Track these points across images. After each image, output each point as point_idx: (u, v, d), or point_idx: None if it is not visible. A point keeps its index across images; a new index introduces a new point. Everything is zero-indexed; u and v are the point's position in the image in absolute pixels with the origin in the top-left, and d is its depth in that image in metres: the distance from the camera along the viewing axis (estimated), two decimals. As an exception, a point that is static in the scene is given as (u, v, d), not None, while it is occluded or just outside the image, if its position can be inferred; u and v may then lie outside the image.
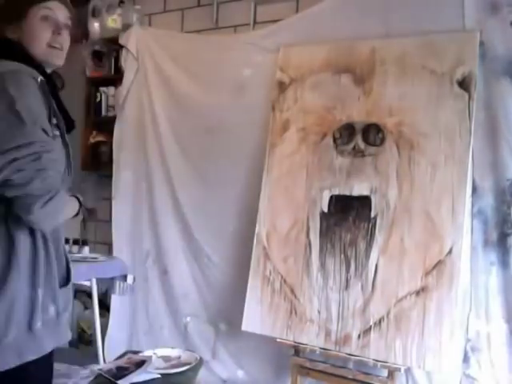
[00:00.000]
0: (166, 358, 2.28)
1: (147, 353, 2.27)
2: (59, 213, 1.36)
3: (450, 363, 2.35)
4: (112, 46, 3.68)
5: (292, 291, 2.67)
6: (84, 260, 2.80)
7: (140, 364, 2.09)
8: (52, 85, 1.44)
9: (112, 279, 2.87)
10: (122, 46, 3.54)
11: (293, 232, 2.71)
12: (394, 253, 2.49)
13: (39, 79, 1.33)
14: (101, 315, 2.97)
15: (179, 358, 2.31)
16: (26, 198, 1.24)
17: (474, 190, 2.48)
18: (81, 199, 1.56)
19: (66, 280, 1.52)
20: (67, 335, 1.51)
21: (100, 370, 2.07)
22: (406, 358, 2.38)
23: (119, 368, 2.09)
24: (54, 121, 1.35)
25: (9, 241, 1.30)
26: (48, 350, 1.38)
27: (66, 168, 1.42)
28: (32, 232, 1.33)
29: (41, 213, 1.25)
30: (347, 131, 2.66)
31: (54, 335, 1.39)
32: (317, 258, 2.64)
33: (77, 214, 1.55)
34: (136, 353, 2.27)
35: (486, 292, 2.45)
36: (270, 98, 2.94)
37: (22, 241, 1.32)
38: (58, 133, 1.36)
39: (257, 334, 2.74)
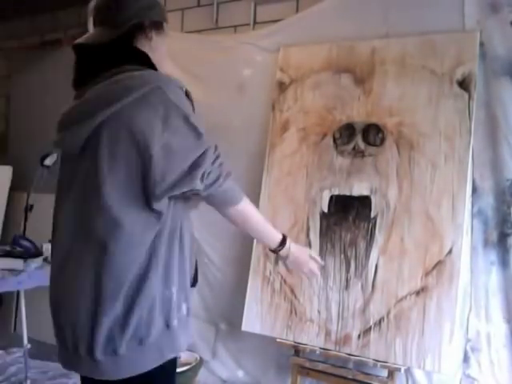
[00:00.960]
0: None
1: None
2: (233, 191, 1.43)
3: (450, 363, 2.35)
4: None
5: (292, 291, 2.67)
6: (84, 260, 2.79)
7: None
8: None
9: (112, 279, 2.87)
10: (121, 46, 3.54)
11: (293, 232, 2.71)
12: (393, 253, 2.49)
13: (184, 89, 1.41)
14: (101, 315, 2.97)
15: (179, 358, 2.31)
16: (218, 192, 1.38)
17: (474, 190, 2.48)
18: None
19: (194, 281, 1.51)
20: (192, 334, 1.49)
21: None
22: (406, 358, 2.38)
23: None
24: None
25: (153, 242, 1.32)
26: (183, 347, 1.40)
27: None
28: (170, 232, 1.36)
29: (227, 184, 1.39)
30: (347, 131, 2.66)
31: (186, 333, 1.40)
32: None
33: None
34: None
35: (486, 292, 2.45)
36: (270, 98, 2.94)
37: (162, 242, 1.34)
38: None
39: (257, 334, 2.74)
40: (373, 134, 2.61)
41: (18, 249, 2.70)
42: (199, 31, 3.42)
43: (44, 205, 3.27)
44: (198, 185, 1.32)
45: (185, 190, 1.31)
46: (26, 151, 3.96)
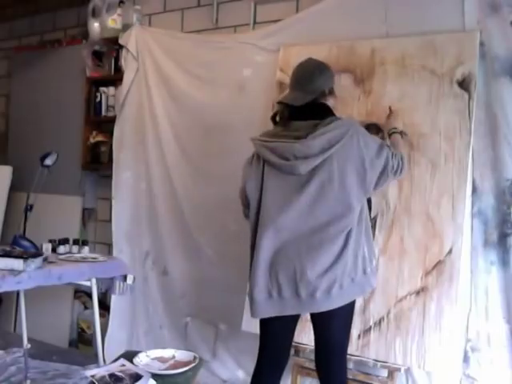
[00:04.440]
0: (161, 359, 2.27)
1: (141, 356, 2.26)
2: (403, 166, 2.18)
3: (449, 363, 2.35)
4: (112, 46, 3.68)
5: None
6: (84, 260, 2.79)
7: (135, 377, 2.06)
8: None
9: (112, 279, 2.86)
10: (121, 46, 3.54)
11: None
12: (393, 253, 2.50)
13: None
14: (101, 315, 2.97)
15: (174, 357, 2.30)
16: (402, 174, 2.19)
17: (474, 190, 2.48)
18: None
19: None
20: (375, 282, 2.22)
21: (92, 377, 2.04)
22: (406, 357, 2.38)
23: (112, 376, 2.06)
24: None
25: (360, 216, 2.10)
26: (374, 285, 2.21)
27: None
28: (362, 212, 2.11)
29: (403, 169, 2.17)
30: (347, 131, 2.66)
31: (375, 277, 2.19)
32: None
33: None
34: (134, 355, 2.26)
35: (486, 292, 2.45)
36: (270, 98, 2.94)
37: (359, 219, 2.10)
38: None
39: (257, 334, 2.73)
40: (373, 133, 2.61)
41: (18, 249, 2.70)
42: (199, 31, 3.42)
43: (44, 205, 3.29)
44: (391, 176, 2.12)
45: (385, 182, 2.14)
46: (25, 151, 3.96)
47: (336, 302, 2.06)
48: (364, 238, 2.13)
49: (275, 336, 2.23)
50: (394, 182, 2.52)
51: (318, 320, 2.17)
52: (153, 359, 2.27)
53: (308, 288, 2.05)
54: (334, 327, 2.14)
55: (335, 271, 2.04)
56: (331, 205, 2.05)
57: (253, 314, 2.17)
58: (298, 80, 2.19)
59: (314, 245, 2.05)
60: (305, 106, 2.12)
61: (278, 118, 2.22)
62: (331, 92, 2.21)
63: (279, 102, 2.22)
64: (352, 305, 2.15)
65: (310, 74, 2.16)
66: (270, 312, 2.14)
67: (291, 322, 2.20)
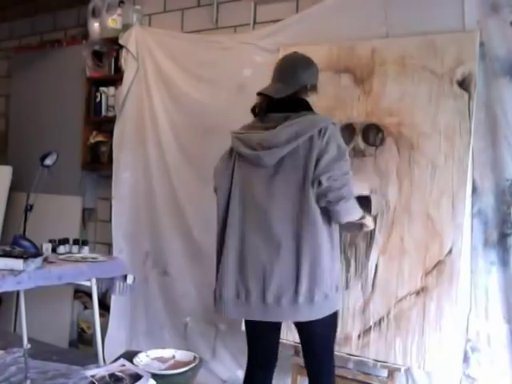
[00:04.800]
0: (161, 359, 2.27)
1: (141, 356, 2.26)
2: (352, 212, 2.02)
3: (449, 363, 2.35)
4: (112, 46, 3.68)
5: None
6: (84, 260, 2.79)
7: (135, 378, 2.06)
8: None
9: (112, 279, 2.86)
10: (121, 46, 3.54)
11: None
12: (393, 253, 2.50)
13: (338, 125, 2.11)
14: (101, 315, 2.97)
15: (174, 357, 2.31)
16: (338, 197, 1.94)
17: (474, 190, 2.48)
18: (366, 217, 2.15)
19: None
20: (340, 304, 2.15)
21: (92, 377, 2.04)
22: (406, 358, 2.38)
23: (112, 376, 2.06)
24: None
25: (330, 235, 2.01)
26: (339, 307, 2.10)
27: None
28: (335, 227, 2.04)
29: (343, 206, 1.95)
30: (347, 131, 2.66)
31: (340, 300, 2.12)
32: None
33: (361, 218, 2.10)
34: (134, 355, 2.26)
35: (486, 292, 2.45)
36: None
37: (334, 232, 2.03)
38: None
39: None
40: (373, 134, 2.61)
41: (18, 249, 2.70)
42: (199, 31, 3.42)
43: (44, 205, 3.29)
44: (325, 198, 1.97)
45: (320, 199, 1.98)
46: (25, 151, 3.96)
47: (304, 314, 1.98)
48: (336, 251, 2.05)
49: (258, 337, 2.19)
50: (393, 181, 2.52)
51: (298, 328, 2.13)
52: (153, 359, 2.27)
53: (275, 294, 1.97)
54: (314, 338, 2.10)
55: (306, 279, 1.95)
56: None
57: (219, 313, 2.11)
58: (282, 72, 2.14)
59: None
60: (284, 98, 2.05)
61: (257, 110, 2.15)
62: (313, 88, 2.14)
63: (259, 94, 2.15)
64: (331, 317, 2.05)
65: (294, 68, 2.11)
66: (236, 314, 2.10)
67: (273, 323, 2.10)
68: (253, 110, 2.17)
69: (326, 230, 1.99)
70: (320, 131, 1.96)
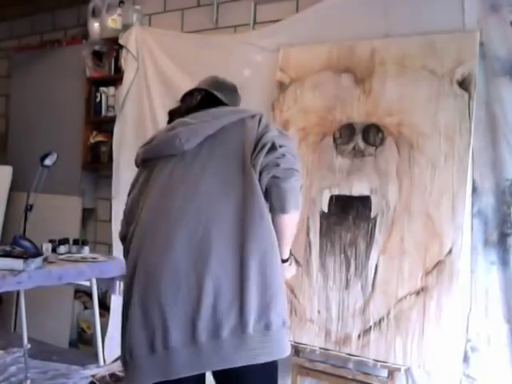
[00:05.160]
0: None
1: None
2: (298, 205, 1.62)
3: (449, 363, 2.35)
4: (112, 46, 3.68)
5: (292, 291, 2.67)
6: (84, 260, 2.80)
7: None
8: None
9: (112, 279, 2.86)
10: (121, 46, 3.54)
11: (293, 232, 2.70)
12: (393, 253, 2.49)
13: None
14: (101, 315, 2.97)
15: None
16: (291, 171, 1.55)
17: (474, 189, 2.48)
18: None
19: None
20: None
21: (92, 377, 2.04)
22: (406, 358, 2.38)
23: (113, 376, 2.05)
24: None
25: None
26: (288, 352, 1.54)
27: None
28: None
29: (294, 185, 1.56)
30: (347, 131, 2.66)
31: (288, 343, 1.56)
32: (317, 257, 2.64)
33: None
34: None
35: (486, 292, 2.45)
36: (270, 98, 2.94)
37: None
38: None
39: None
40: (373, 133, 2.61)
41: (18, 249, 2.70)
42: (199, 31, 3.42)
43: (44, 205, 3.29)
44: (273, 172, 1.60)
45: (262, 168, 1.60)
46: (25, 151, 3.96)
47: (257, 353, 1.42)
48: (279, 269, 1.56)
49: None
50: (394, 181, 2.52)
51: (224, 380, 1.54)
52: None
53: (209, 326, 1.42)
54: None
55: (255, 293, 1.44)
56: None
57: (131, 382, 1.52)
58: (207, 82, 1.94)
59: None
60: (209, 95, 1.81)
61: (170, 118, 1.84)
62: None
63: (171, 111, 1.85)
64: (275, 367, 1.52)
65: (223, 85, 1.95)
66: (153, 376, 1.46)
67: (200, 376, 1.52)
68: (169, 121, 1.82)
69: (270, 226, 1.56)
70: (253, 116, 1.67)
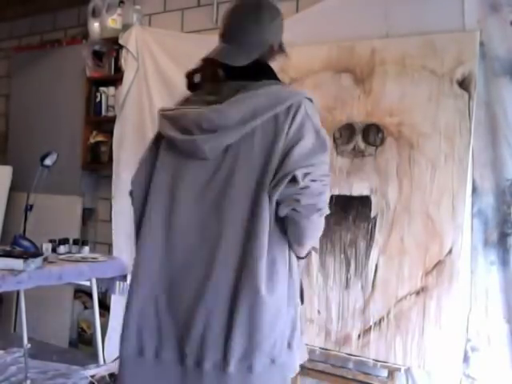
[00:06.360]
0: None
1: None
2: (318, 235, 1.47)
3: (449, 363, 2.35)
4: (112, 46, 3.68)
5: (292, 291, 2.67)
6: (84, 260, 2.79)
7: None
8: None
9: (112, 279, 2.87)
10: (121, 46, 3.54)
11: (293, 232, 2.70)
12: (393, 253, 2.50)
13: (315, 104, 1.49)
14: (101, 315, 2.97)
15: None
16: (313, 207, 1.37)
17: (474, 189, 2.48)
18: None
19: (301, 300, 1.53)
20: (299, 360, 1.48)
21: (92, 377, 2.03)
22: (406, 357, 2.38)
23: (113, 376, 2.05)
24: None
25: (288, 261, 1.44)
26: (298, 368, 1.45)
27: None
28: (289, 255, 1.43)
29: (316, 222, 1.40)
30: (347, 131, 2.66)
31: (298, 356, 1.45)
32: (317, 257, 2.64)
33: None
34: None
35: (486, 292, 2.45)
36: (269, 97, 2.93)
37: (292, 256, 1.45)
38: None
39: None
40: (373, 133, 2.61)
41: (18, 249, 2.70)
42: (199, 31, 3.42)
43: (44, 205, 3.29)
44: (300, 204, 1.39)
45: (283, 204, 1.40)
46: (25, 151, 3.96)
47: None
48: (296, 283, 1.45)
49: None
50: (394, 181, 2.52)
51: None
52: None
53: (196, 352, 1.35)
54: None
55: (242, 331, 1.32)
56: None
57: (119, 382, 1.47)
58: (237, 26, 1.56)
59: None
60: (243, 68, 1.47)
61: (197, 80, 1.62)
62: (281, 48, 1.59)
63: (206, 60, 1.65)
64: None
65: (257, 20, 1.51)
66: (138, 381, 1.42)
67: None
68: (188, 80, 1.62)
69: (283, 254, 1.42)
70: (289, 109, 1.38)
